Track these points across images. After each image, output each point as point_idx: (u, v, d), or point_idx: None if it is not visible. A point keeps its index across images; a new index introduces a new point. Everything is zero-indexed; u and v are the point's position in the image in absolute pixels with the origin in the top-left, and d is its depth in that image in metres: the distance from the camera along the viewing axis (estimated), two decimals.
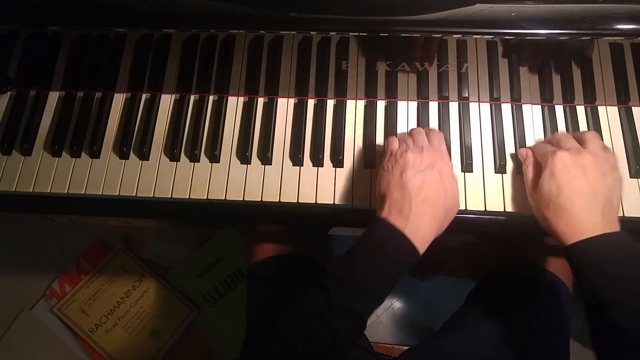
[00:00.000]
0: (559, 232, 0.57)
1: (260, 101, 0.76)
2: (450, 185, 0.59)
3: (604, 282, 0.53)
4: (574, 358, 0.77)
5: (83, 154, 0.74)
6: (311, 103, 0.76)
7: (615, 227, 0.56)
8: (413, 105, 0.75)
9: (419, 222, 0.55)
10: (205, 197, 0.70)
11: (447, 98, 0.74)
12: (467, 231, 0.70)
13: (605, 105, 0.74)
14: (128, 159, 0.73)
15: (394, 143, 0.63)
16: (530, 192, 0.62)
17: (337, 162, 0.71)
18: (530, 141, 0.72)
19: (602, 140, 0.68)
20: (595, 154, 0.60)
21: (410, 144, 0.62)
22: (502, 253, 0.88)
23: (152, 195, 0.71)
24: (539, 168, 0.62)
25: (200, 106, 0.76)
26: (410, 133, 0.66)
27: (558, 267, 0.82)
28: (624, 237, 0.56)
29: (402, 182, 0.57)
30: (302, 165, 0.72)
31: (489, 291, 0.84)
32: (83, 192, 0.72)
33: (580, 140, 0.63)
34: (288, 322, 0.55)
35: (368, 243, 0.56)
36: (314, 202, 0.70)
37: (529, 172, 0.64)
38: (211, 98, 0.77)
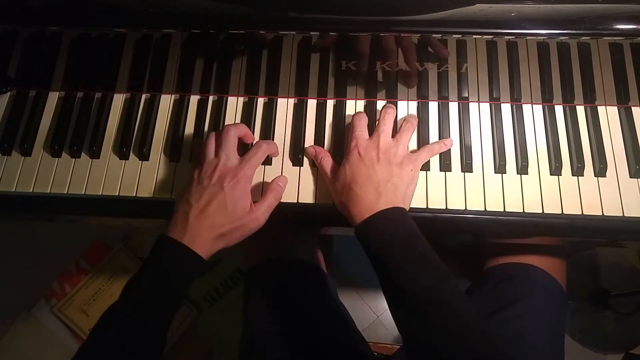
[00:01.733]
0: (351, 214, 0.63)
1: (260, 101, 0.76)
2: (234, 201, 0.62)
3: (385, 252, 0.59)
4: (574, 358, 0.77)
5: (83, 154, 0.74)
6: (311, 103, 0.76)
7: (397, 204, 0.62)
8: (413, 105, 0.75)
9: (197, 230, 0.60)
10: None
11: (446, 98, 0.74)
12: (466, 231, 0.70)
13: (605, 105, 0.74)
14: (128, 159, 0.73)
15: (205, 154, 0.66)
16: (330, 180, 0.68)
17: (337, 163, 0.71)
18: (530, 141, 0.72)
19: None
20: (397, 146, 0.66)
21: (211, 156, 0.65)
22: (498, 252, 0.88)
23: (152, 195, 0.71)
24: (335, 159, 0.69)
25: (200, 106, 0.76)
26: (222, 137, 0.66)
27: (552, 266, 0.83)
28: (398, 211, 0.62)
29: (189, 198, 0.62)
30: (302, 166, 0.72)
31: (484, 290, 0.84)
32: (83, 192, 0.72)
33: (401, 131, 0.69)
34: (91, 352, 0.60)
35: (152, 258, 0.60)
36: (313, 202, 0.70)
37: (327, 163, 0.69)
38: (211, 98, 0.77)
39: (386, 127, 0.68)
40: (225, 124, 0.75)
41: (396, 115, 0.72)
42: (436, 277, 0.58)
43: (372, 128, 0.73)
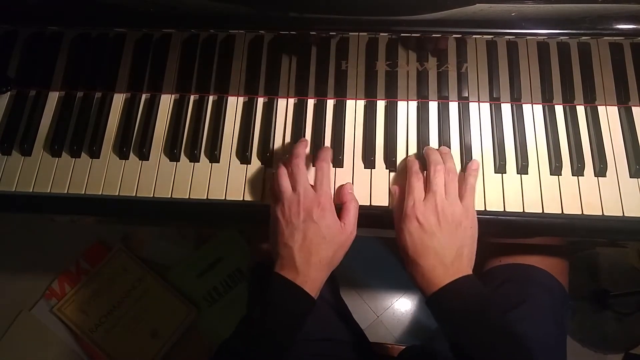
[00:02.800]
0: (418, 285, 0.62)
1: (260, 101, 0.76)
2: (328, 229, 0.63)
3: (457, 323, 0.60)
4: (574, 358, 0.77)
5: (83, 154, 0.74)
6: (311, 103, 0.76)
7: (464, 272, 0.61)
8: (413, 105, 0.75)
9: (308, 271, 0.61)
10: (205, 197, 0.70)
11: (447, 98, 0.74)
12: None
13: (605, 105, 0.74)
14: (128, 159, 0.73)
15: (283, 191, 0.65)
16: (396, 237, 0.65)
17: (337, 161, 0.71)
18: (530, 141, 0.72)
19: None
20: (452, 206, 0.63)
21: (289, 192, 0.64)
22: (499, 253, 0.88)
23: (152, 195, 0.71)
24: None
25: (200, 106, 0.76)
26: (293, 171, 0.65)
27: (554, 267, 0.82)
28: (468, 279, 0.61)
29: (286, 241, 0.63)
30: None
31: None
32: (83, 192, 0.72)
33: (447, 183, 0.65)
34: None
35: (265, 298, 0.62)
36: None
37: (397, 209, 0.66)
38: (211, 98, 0.77)
39: (439, 185, 0.64)
40: (225, 123, 0.75)
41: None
42: (511, 350, 0.59)
43: (372, 130, 0.73)
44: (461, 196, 0.65)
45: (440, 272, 0.61)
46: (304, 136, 0.73)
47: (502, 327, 0.60)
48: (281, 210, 0.64)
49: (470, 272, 0.62)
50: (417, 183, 0.65)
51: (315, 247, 0.62)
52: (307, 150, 0.70)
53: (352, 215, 0.65)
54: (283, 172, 0.66)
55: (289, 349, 0.61)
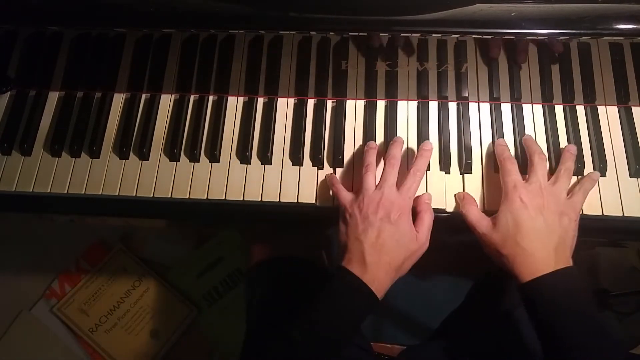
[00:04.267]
0: (515, 270, 0.59)
1: (260, 101, 0.76)
2: (403, 233, 0.62)
3: (559, 316, 0.56)
4: None
5: (83, 154, 0.74)
6: (311, 103, 0.76)
7: (567, 263, 0.59)
8: (413, 105, 0.75)
9: (376, 270, 0.59)
10: (205, 197, 0.70)
11: (446, 98, 0.74)
12: (467, 231, 0.70)
13: (605, 105, 0.74)
14: (128, 159, 0.73)
15: (367, 187, 0.64)
16: (482, 231, 0.63)
17: (337, 162, 0.71)
18: None
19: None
20: (556, 194, 0.62)
21: (371, 189, 0.64)
22: None
23: (152, 195, 0.71)
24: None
25: (200, 106, 0.76)
26: (385, 169, 0.66)
27: None
28: (574, 271, 0.59)
29: (358, 235, 0.61)
30: (302, 165, 0.72)
31: (487, 290, 0.84)
32: (83, 192, 0.72)
33: (530, 154, 0.65)
34: None
35: (331, 291, 0.60)
36: (314, 202, 0.70)
37: (473, 212, 0.65)
38: (211, 98, 0.77)
39: (541, 172, 0.63)
40: (225, 123, 0.75)
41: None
42: (613, 350, 0.56)
43: (372, 130, 0.73)
44: (572, 193, 0.64)
45: (544, 256, 0.58)
46: (304, 136, 0.73)
47: (603, 327, 0.57)
48: (359, 206, 0.62)
49: (572, 264, 0.59)
50: (513, 166, 0.64)
51: (388, 249, 0.60)
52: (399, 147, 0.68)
53: (426, 226, 0.64)
54: (372, 171, 0.65)
55: (343, 348, 0.60)
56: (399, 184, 0.64)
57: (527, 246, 0.58)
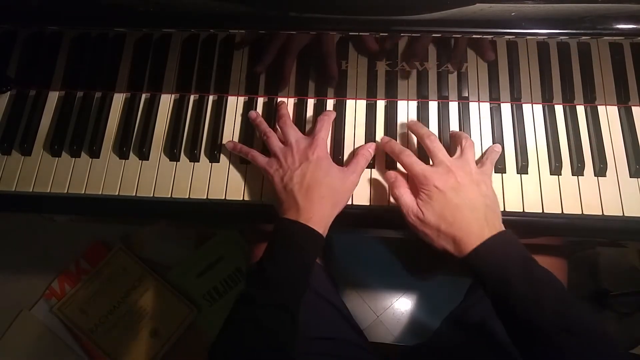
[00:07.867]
0: (455, 252, 0.59)
1: (260, 101, 0.76)
2: (327, 167, 0.65)
3: (505, 281, 0.55)
4: None
5: (83, 154, 0.74)
6: (311, 103, 0.76)
7: (500, 228, 0.59)
8: (413, 105, 0.75)
9: (310, 208, 0.62)
10: (205, 197, 0.70)
11: (446, 98, 0.74)
12: None
13: (605, 105, 0.74)
14: (128, 158, 0.73)
15: (274, 149, 0.68)
16: (415, 222, 0.61)
17: (337, 161, 0.71)
18: (530, 141, 0.72)
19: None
20: (465, 166, 0.63)
21: (279, 147, 0.67)
22: None
23: (152, 195, 0.71)
24: (413, 188, 0.64)
25: (200, 106, 0.76)
26: (281, 130, 0.70)
27: (553, 266, 0.82)
28: (509, 234, 0.59)
29: (284, 185, 0.64)
30: None
31: None
32: (83, 192, 0.72)
33: (454, 143, 0.66)
34: (229, 340, 0.61)
35: (273, 242, 0.62)
36: None
37: (405, 196, 0.63)
38: (211, 98, 0.77)
39: (441, 151, 0.64)
40: (225, 123, 0.75)
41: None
42: (564, 301, 0.55)
43: (372, 130, 0.73)
44: (481, 163, 0.66)
45: (477, 227, 0.58)
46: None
47: (549, 277, 0.57)
48: (277, 165, 0.66)
49: (504, 228, 0.60)
50: (412, 158, 0.64)
51: (315, 185, 0.62)
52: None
53: (356, 163, 0.66)
54: (272, 134, 0.69)
55: (303, 295, 0.60)
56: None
57: (460, 227, 0.58)
